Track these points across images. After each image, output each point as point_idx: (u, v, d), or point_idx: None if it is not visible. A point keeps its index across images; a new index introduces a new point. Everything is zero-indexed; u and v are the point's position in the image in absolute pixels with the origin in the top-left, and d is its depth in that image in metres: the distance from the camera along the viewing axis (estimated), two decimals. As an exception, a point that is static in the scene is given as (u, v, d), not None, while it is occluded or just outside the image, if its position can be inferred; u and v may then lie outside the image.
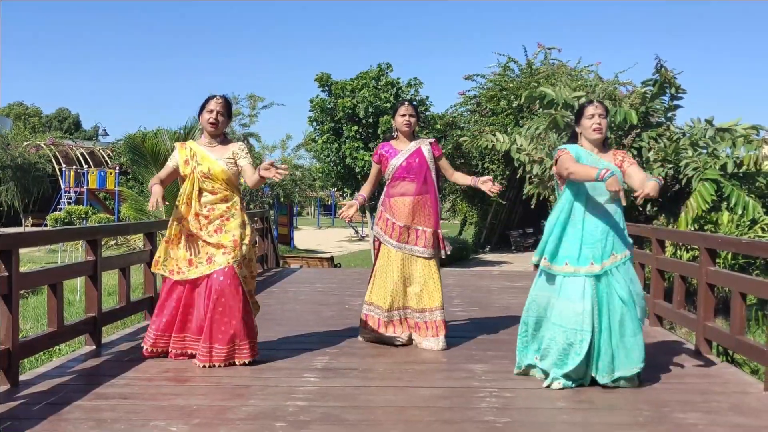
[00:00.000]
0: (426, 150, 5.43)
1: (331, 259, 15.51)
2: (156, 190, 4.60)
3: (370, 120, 16.76)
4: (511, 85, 20.11)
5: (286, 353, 5.00)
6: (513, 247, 22.05)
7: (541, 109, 12.78)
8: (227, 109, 4.84)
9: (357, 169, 17.19)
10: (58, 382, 4.33)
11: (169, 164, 4.86)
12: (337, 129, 17.30)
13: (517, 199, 21.73)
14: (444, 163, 5.59)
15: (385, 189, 5.50)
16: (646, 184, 4.05)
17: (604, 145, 4.47)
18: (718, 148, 10.50)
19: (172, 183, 4.99)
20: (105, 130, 35.57)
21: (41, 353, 5.86)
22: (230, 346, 4.64)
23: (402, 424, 3.65)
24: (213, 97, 4.79)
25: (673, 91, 11.44)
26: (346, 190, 18.60)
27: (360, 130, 16.92)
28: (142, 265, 6.19)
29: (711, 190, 9.46)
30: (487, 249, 22.31)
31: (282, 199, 21.95)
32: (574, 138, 4.55)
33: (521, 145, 12.62)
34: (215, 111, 4.75)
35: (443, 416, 3.81)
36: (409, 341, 5.42)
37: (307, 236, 30.30)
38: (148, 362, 4.79)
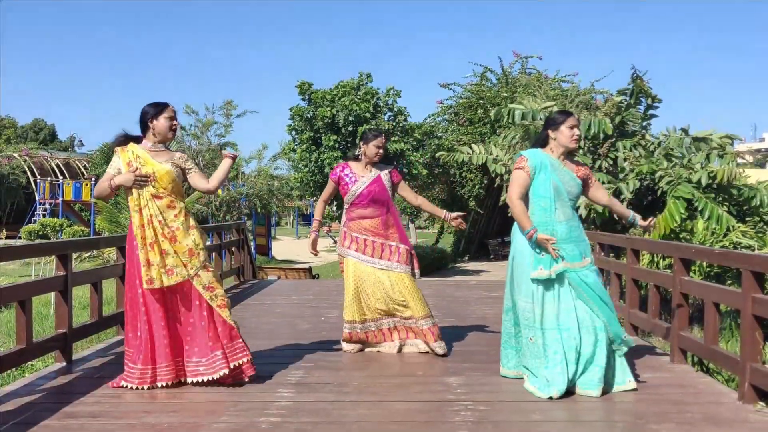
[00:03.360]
0: (386, 179, 5.52)
1: (310, 270, 15.43)
2: (126, 175, 4.48)
3: (350, 129, 16.74)
4: (488, 94, 20.23)
5: (260, 367, 4.93)
6: (491, 256, 22.09)
7: (512, 123, 12.84)
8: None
9: (335, 179, 17.15)
10: (27, 401, 4.24)
11: (110, 171, 4.61)
12: (316, 138, 17.25)
13: (495, 208, 21.78)
14: (404, 189, 5.68)
15: (346, 213, 5.52)
16: (635, 215, 4.77)
17: (571, 154, 4.69)
18: (693, 160, 10.56)
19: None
20: (81, 140, 35.30)
21: (12, 370, 5.73)
22: (205, 359, 4.54)
23: (376, 440, 3.62)
24: (166, 104, 4.65)
25: (648, 101, 11.55)
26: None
27: (339, 140, 16.88)
28: (115, 280, 6.12)
29: (681, 208, 9.43)
30: (466, 258, 22.34)
31: (259, 209, 21.80)
32: (540, 142, 4.62)
33: (497, 156, 12.67)
34: (174, 119, 4.67)
35: (419, 431, 3.78)
36: (398, 350, 5.46)
37: (285, 246, 30.18)
38: (119, 377, 4.71)
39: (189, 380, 4.54)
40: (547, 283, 4.41)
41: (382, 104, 17.50)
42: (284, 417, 3.96)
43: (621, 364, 4.49)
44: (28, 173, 30.16)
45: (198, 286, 4.55)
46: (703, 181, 9.67)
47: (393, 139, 16.63)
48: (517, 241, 4.55)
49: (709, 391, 4.57)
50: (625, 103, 11.63)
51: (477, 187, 19.95)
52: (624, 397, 4.38)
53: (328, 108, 16.69)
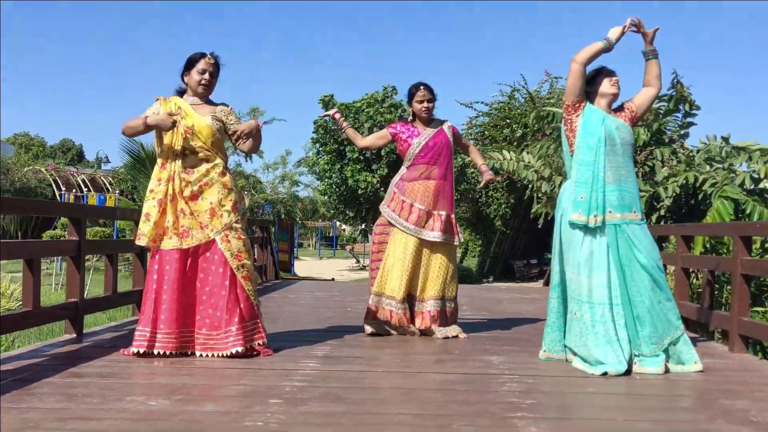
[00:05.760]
0: (448, 133, 5.13)
1: (332, 281, 15.07)
2: (164, 117, 4.11)
3: (374, 140, 16.48)
4: (515, 113, 19.88)
5: (281, 344, 4.55)
6: (517, 276, 21.59)
7: (549, 130, 12.49)
8: (217, 68, 4.36)
9: (359, 191, 16.86)
10: (30, 363, 3.90)
11: (146, 113, 4.25)
12: (340, 150, 17.02)
13: (521, 229, 21.35)
14: (463, 141, 5.33)
15: (404, 172, 5.09)
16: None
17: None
18: (735, 163, 10.13)
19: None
20: (107, 157, 35.28)
21: (17, 334, 5.36)
22: (216, 332, 4.14)
23: (412, 404, 3.20)
24: (202, 55, 4.29)
25: (687, 107, 11.15)
26: (348, 212, 18.24)
27: (363, 151, 16.61)
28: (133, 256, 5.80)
29: (730, 209, 9.03)
30: (491, 278, 21.85)
31: (283, 216, 21.52)
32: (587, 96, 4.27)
33: (528, 162, 12.29)
34: (208, 71, 4.30)
35: (459, 397, 3.36)
36: (423, 334, 5.03)
37: (307, 265, 29.81)
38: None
39: (197, 353, 4.15)
40: (597, 251, 4.00)
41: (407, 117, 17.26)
42: (310, 382, 3.57)
43: (685, 343, 4.04)
44: (54, 187, 30.23)
45: (226, 252, 4.17)
46: (747, 184, 9.22)
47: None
48: (565, 200, 4.15)
49: (779, 374, 4.11)
50: (664, 109, 11.24)
51: (503, 206, 19.53)
52: (687, 377, 3.93)
53: (352, 119, 16.47)
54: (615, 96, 4.22)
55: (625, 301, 3.99)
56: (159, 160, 4.24)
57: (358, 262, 29.10)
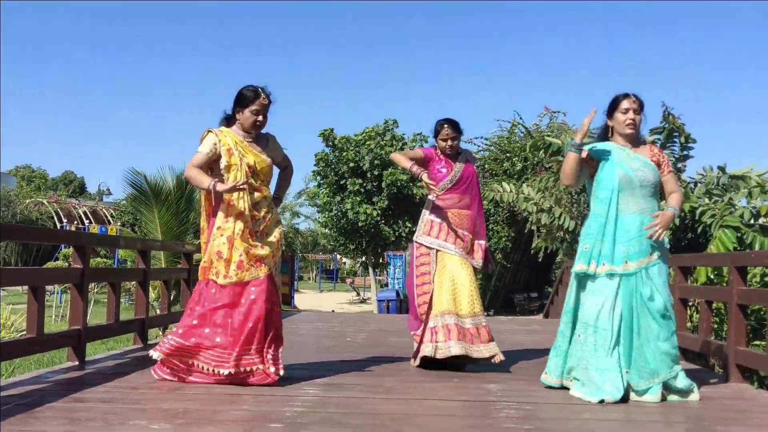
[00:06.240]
0: (474, 166, 5.28)
1: (332, 312, 15.08)
2: (231, 188, 4.05)
3: (375, 173, 16.61)
4: (516, 146, 20.04)
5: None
6: (518, 310, 21.56)
7: (548, 162, 12.59)
8: (268, 107, 4.30)
9: (360, 224, 16.96)
10: (33, 388, 3.94)
11: (204, 150, 4.16)
12: (340, 183, 17.14)
13: (522, 262, 21.38)
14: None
15: (435, 200, 5.10)
16: (663, 214, 3.98)
17: (636, 143, 4.21)
18: (734, 198, 10.22)
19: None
20: (109, 189, 35.42)
21: (17, 364, 5.40)
22: (256, 357, 4.13)
23: (412, 430, 3.25)
24: (257, 95, 4.19)
25: (682, 140, 11.27)
26: (348, 245, 18.30)
27: (364, 184, 16.74)
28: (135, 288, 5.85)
29: (732, 238, 9.09)
30: (492, 312, 21.81)
31: (283, 248, 21.55)
32: (602, 136, 4.28)
33: (528, 194, 12.39)
34: (262, 113, 4.24)
35: (458, 423, 3.41)
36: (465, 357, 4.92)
37: (308, 298, 29.76)
38: (135, 374, 4.40)
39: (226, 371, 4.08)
40: (608, 279, 4.03)
41: (409, 148, 17.40)
42: (310, 408, 3.61)
43: (682, 374, 4.07)
44: (55, 218, 30.37)
45: (271, 286, 4.25)
46: (746, 217, 9.29)
47: (419, 184, 16.45)
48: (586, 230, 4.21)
49: (776, 403, 4.14)
50: (659, 142, 11.36)
51: (504, 239, 19.61)
52: (684, 405, 3.97)
53: (353, 151, 16.63)
54: (631, 135, 4.15)
55: (627, 332, 4.00)
56: (225, 196, 4.16)
57: (358, 295, 29.07)
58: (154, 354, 4.16)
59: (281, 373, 4.18)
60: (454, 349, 4.80)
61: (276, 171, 4.51)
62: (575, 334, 4.14)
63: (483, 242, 5.17)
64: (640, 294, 3.99)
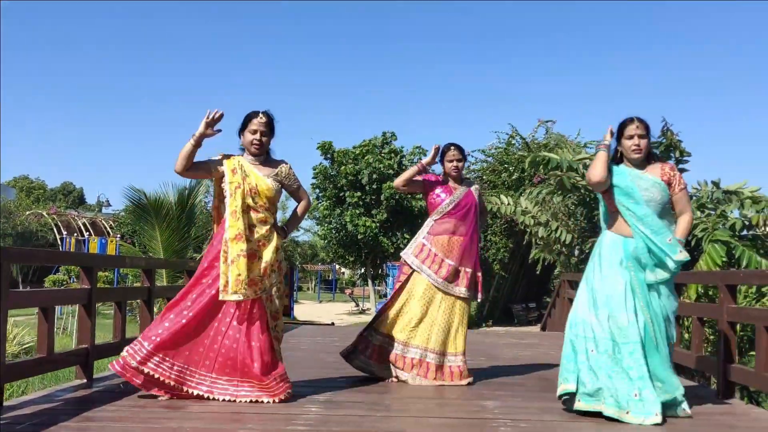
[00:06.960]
0: (476, 194, 5.39)
1: (332, 325, 15.19)
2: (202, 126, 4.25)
3: (374, 186, 16.75)
4: (513, 158, 20.20)
5: (286, 388, 4.72)
6: (516, 321, 21.66)
7: (546, 175, 12.75)
8: (270, 127, 4.48)
9: (359, 236, 17.08)
10: (45, 407, 4.07)
11: (206, 161, 4.42)
12: (339, 196, 17.28)
13: (520, 273, 21.50)
14: (483, 203, 5.66)
15: (431, 225, 5.28)
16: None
17: (648, 161, 4.33)
18: (727, 210, 10.38)
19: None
20: (108, 200, 35.51)
21: (26, 382, 5.52)
22: (240, 382, 4.28)
23: (411, 448, 3.38)
24: (255, 115, 4.42)
25: (677, 154, 11.44)
26: (348, 257, 18.43)
27: (363, 196, 16.88)
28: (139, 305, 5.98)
29: (721, 252, 9.25)
30: (490, 322, 21.91)
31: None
32: (615, 160, 4.41)
33: (525, 208, 12.54)
34: (259, 131, 4.42)
35: (456, 441, 3.54)
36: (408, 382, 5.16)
37: (307, 309, 29.85)
38: (141, 392, 4.52)
39: (214, 396, 4.27)
40: (624, 292, 4.12)
41: (407, 162, 17.56)
42: (312, 427, 3.73)
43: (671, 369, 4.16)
44: (55, 230, 30.44)
45: (268, 310, 4.38)
46: (738, 227, 9.46)
47: (418, 196, 16.59)
48: (600, 244, 4.33)
49: (764, 418, 4.27)
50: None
51: (502, 250, 19.74)
52: (674, 421, 4.09)
53: (352, 165, 16.78)
54: (638, 159, 4.26)
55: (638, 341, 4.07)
56: (227, 210, 4.34)
57: (357, 305, 29.18)
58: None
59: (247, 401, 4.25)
60: (403, 377, 5.16)
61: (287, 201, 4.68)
62: (587, 350, 4.18)
63: (471, 270, 5.25)
64: (649, 307, 4.13)
